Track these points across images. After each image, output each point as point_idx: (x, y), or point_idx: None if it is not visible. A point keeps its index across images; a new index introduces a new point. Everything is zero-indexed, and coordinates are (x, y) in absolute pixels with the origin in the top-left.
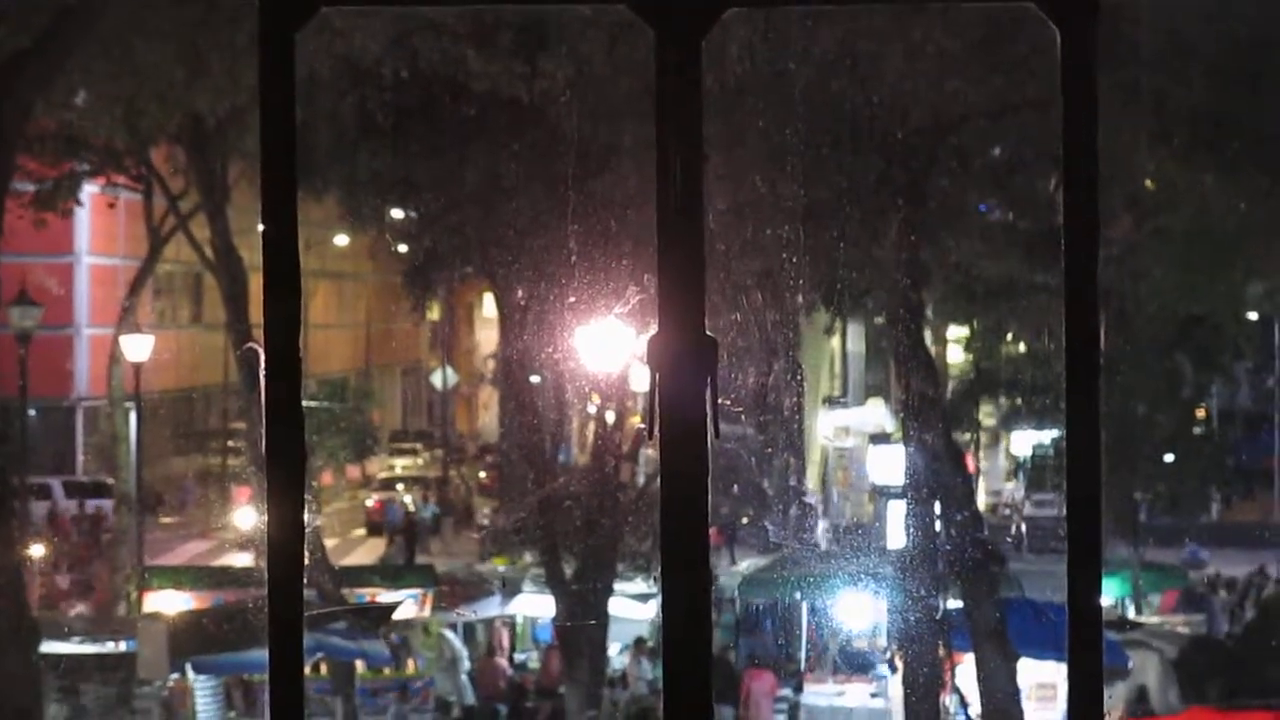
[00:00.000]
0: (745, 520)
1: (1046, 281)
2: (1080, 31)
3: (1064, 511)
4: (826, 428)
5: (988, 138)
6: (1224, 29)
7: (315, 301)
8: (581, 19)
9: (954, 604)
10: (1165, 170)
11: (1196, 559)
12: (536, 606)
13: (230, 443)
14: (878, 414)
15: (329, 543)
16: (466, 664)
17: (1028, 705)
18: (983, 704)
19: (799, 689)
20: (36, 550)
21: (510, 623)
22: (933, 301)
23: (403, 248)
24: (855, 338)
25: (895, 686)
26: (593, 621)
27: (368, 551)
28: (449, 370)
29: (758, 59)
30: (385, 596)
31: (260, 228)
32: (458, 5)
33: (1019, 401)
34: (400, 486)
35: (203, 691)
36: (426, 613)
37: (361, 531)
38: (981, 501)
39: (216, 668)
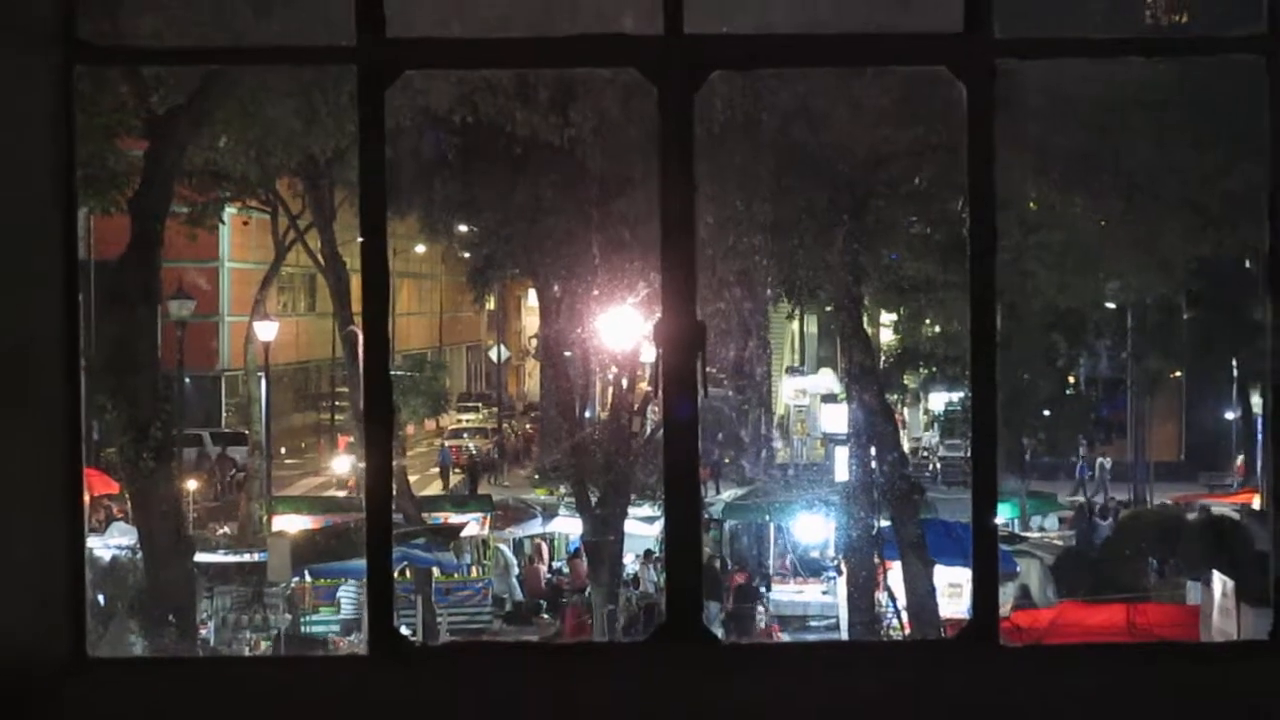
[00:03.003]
0: (727, 460)
1: (955, 279)
2: (981, 89)
3: (969, 453)
4: (789, 390)
5: (911, 170)
6: (1093, 89)
7: (400, 295)
8: (602, 79)
9: (885, 523)
10: (1045, 196)
11: (1084, 474)
12: (569, 526)
13: (336, 403)
14: (828, 379)
15: (412, 478)
16: (516, 570)
17: (942, 600)
18: (907, 599)
19: (768, 588)
20: (191, 484)
21: (549, 539)
22: (870, 294)
23: (466, 254)
24: (811, 321)
25: (841, 586)
26: (611, 538)
27: (441, 484)
28: (502, 347)
29: (737, 110)
30: (454, 519)
31: (359, 239)
32: (508, 69)
33: (935, 370)
34: (465, 435)
35: (346, 591)
36: (486, 531)
37: (436, 470)
38: (906, 446)
39: (328, 573)
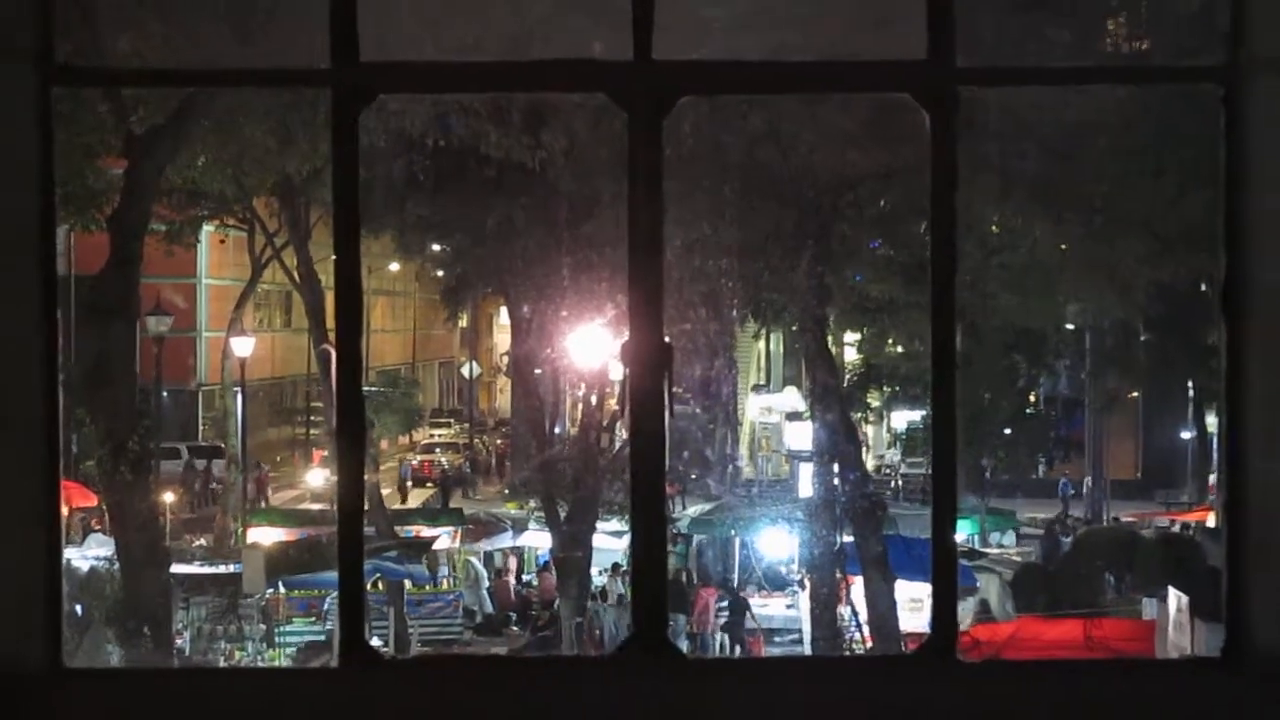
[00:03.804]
0: (694, 476)
1: (918, 300)
2: (944, 116)
3: (930, 471)
4: (754, 408)
5: (876, 194)
6: (1051, 116)
7: (374, 312)
8: (572, 104)
9: (848, 539)
10: (1006, 219)
11: (1066, 492)
12: (539, 540)
13: (311, 418)
14: (793, 398)
15: (384, 492)
16: (486, 582)
17: (902, 614)
18: (869, 613)
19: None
20: (168, 496)
21: (519, 552)
22: (834, 314)
23: (440, 272)
24: (776, 341)
25: (804, 600)
26: (579, 554)
27: (413, 498)
28: (474, 364)
29: (704, 134)
30: (426, 532)
31: (333, 257)
32: (480, 93)
33: (898, 389)
34: (437, 450)
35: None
36: (457, 544)
37: (409, 484)
38: (869, 463)
39: (301, 585)
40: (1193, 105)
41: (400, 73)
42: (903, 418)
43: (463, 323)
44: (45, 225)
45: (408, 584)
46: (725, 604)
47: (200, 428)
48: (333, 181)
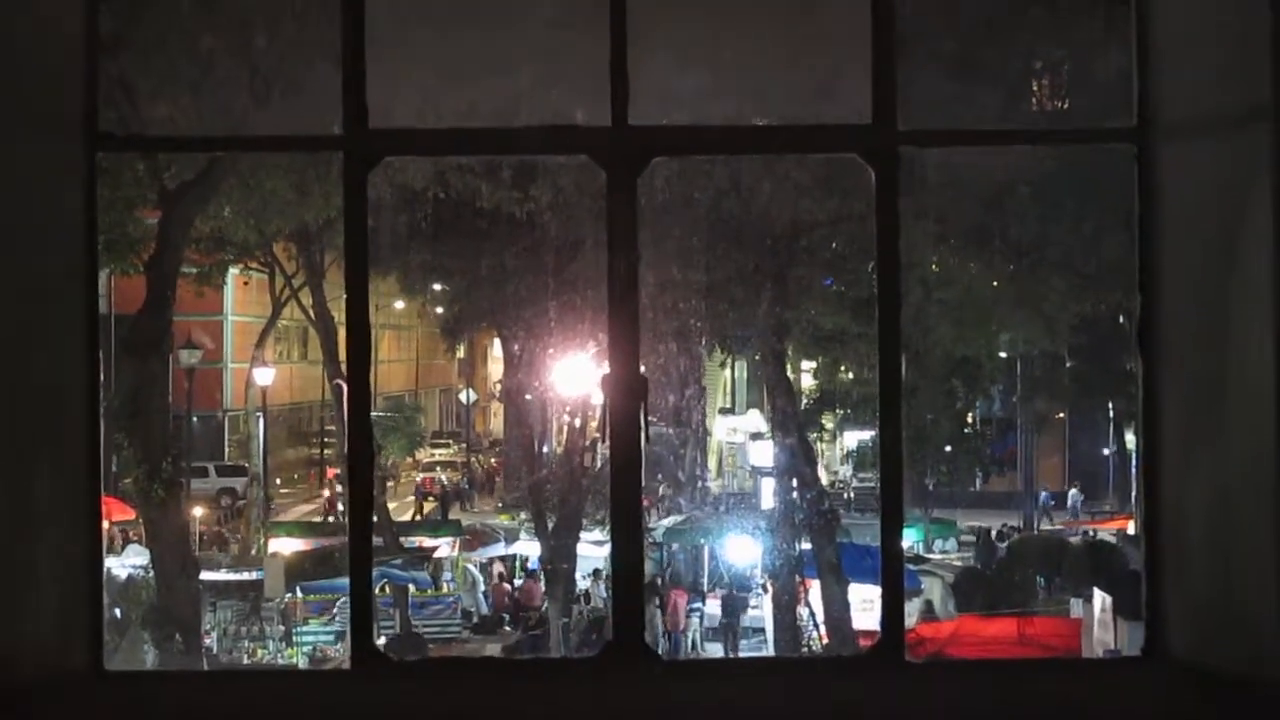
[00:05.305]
0: (668, 491)
1: (866, 331)
2: (887, 172)
3: (878, 484)
4: (721, 429)
5: (828, 238)
6: (985, 168)
7: (381, 344)
8: (557, 162)
9: (805, 546)
10: (944, 260)
11: (1047, 503)
12: (529, 549)
13: (326, 440)
14: (756, 420)
15: (390, 505)
16: (482, 587)
17: (856, 614)
18: (825, 614)
19: (703, 602)
20: (198, 511)
21: (511, 560)
22: (792, 345)
23: (440, 310)
24: (740, 369)
25: (767, 602)
26: (565, 565)
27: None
28: (471, 391)
29: (675, 188)
30: (428, 542)
31: (345, 297)
32: (475, 155)
33: (850, 411)
34: (438, 468)
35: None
36: (456, 553)
37: (412, 499)
38: (824, 478)
39: (316, 590)
40: (1109, 157)
41: (405, 138)
42: (854, 437)
43: (460, 354)
44: (89, 271)
45: (412, 588)
46: (697, 606)
47: (226, 449)
48: (344, 232)
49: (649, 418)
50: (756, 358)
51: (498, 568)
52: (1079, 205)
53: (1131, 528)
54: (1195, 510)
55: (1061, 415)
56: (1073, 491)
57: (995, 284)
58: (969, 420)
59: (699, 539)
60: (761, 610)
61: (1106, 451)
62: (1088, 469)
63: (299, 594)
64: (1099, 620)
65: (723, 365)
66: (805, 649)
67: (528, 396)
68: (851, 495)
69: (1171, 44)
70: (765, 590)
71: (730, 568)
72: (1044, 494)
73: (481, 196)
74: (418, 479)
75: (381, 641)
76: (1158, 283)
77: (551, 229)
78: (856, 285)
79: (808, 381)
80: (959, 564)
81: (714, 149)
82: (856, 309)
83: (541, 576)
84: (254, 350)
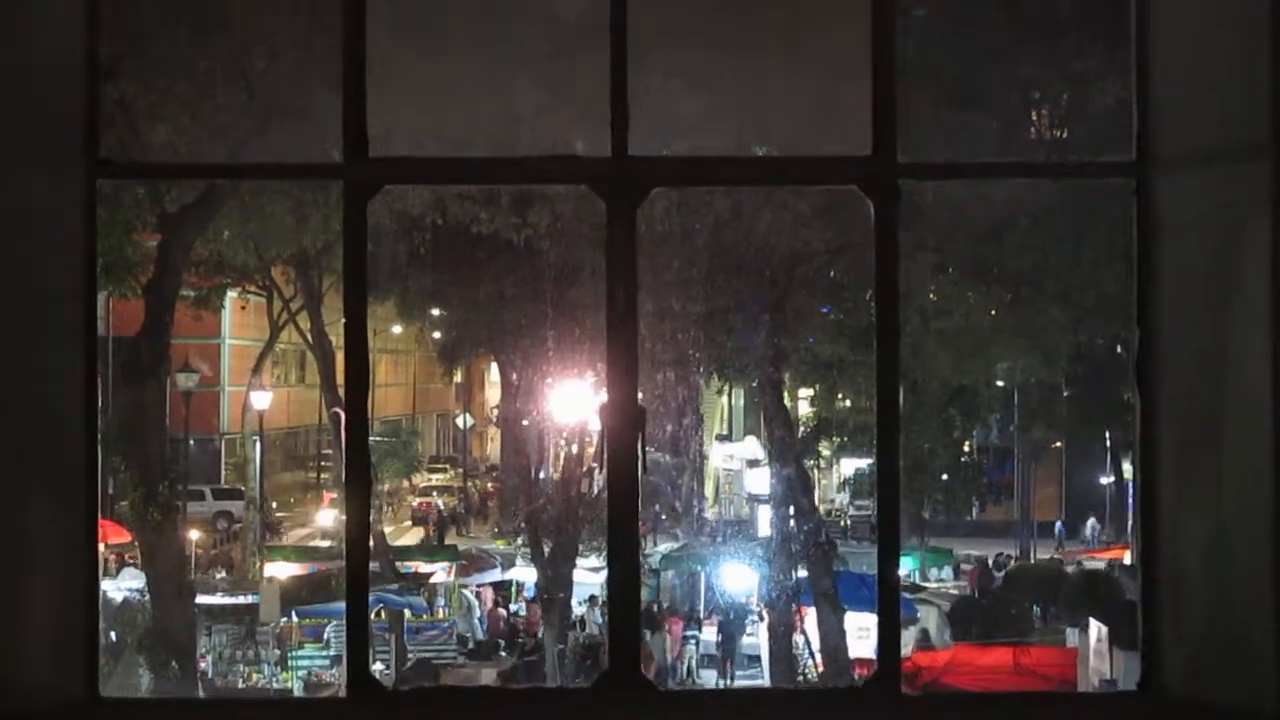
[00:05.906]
0: (664, 519)
1: (864, 359)
2: (887, 205)
3: (875, 512)
4: (718, 456)
5: (826, 267)
6: (981, 199)
7: (379, 369)
8: (556, 190)
9: (802, 574)
10: (942, 290)
11: (1062, 533)
12: (525, 574)
13: (322, 464)
14: (753, 446)
15: (386, 529)
16: (478, 612)
17: (851, 642)
18: (821, 642)
19: (699, 629)
20: (194, 534)
21: (507, 585)
22: (789, 372)
23: (437, 335)
24: (738, 396)
25: (763, 630)
26: (561, 595)
27: (412, 536)
28: (468, 416)
29: (675, 218)
30: (424, 567)
31: (343, 322)
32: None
33: (846, 439)
34: (435, 493)
35: (335, 630)
36: (452, 578)
37: (409, 523)
38: (821, 506)
39: (312, 614)
40: (1108, 189)
41: (404, 167)
42: (851, 465)
43: (458, 379)
44: (89, 294)
45: (407, 613)
46: (693, 633)
47: (223, 472)
48: (344, 259)
49: (647, 447)
50: (754, 385)
51: (495, 594)
52: (1077, 236)
53: (1128, 558)
54: (1192, 542)
55: (1058, 444)
56: (1090, 521)
57: (993, 314)
58: (966, 449)
59: (695, 566)
60: (757, 638)
61: (1104, 480)
62: (1084, 497)
63: (294, 618)
64: (1094, 650)
65: (720, 392)
66: (801, 677)
67: (525, 423)
68: (848, 523)
69: (1170, 78)
70: (761, 618)
71: (726, 595)
72: (1059, 524)
73: (480, 223)
74: (414, 503)
75: (379, 668)
76: (1155, 315)
77: (550, 256)
78: (854, 313)
79: (805, 409)
80: (955, 592)
81: (714, 180)
82: (854, 337)
83: (539, 602)
84: (251, 374)
